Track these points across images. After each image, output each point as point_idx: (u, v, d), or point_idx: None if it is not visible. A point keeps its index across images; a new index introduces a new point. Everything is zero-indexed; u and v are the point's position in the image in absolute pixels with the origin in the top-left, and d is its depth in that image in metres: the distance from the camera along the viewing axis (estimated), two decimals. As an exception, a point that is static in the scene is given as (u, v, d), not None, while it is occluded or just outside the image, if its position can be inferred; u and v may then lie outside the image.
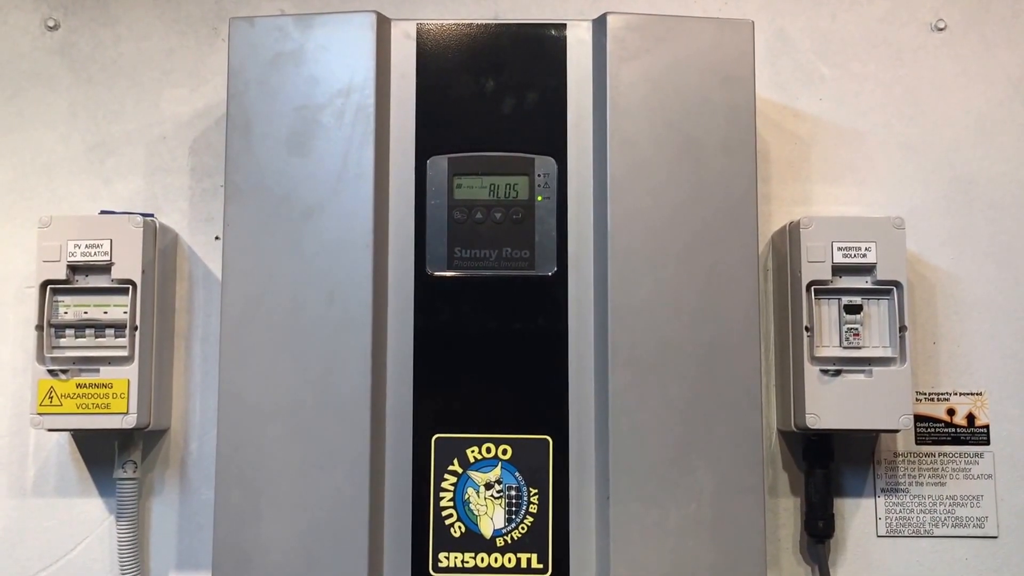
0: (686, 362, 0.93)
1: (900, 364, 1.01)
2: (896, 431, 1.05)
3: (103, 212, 1.07)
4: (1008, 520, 1.09)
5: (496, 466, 0.94)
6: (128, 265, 1.02)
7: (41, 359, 1.01)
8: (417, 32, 0.98)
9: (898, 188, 1.13)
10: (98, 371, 1.01)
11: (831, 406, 1.00)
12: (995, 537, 1.09)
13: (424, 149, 0.97)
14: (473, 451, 0.94)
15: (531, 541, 0.93)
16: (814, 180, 1.13)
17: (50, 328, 1.02)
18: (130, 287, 1.02)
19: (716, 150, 0.95)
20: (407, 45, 0.98)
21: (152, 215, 1.07)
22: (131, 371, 1.01)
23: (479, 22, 0.99)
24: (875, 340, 1.03)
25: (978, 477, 1.10)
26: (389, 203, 0.96)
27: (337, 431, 0.92)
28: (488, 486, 0.94)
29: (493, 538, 0.93)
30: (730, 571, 0.92)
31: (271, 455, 0.92)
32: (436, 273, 0.96)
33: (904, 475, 1.10)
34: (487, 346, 0.95)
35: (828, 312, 1.03)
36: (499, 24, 0.99)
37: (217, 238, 1.12)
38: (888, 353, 1.02)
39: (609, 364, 0.92)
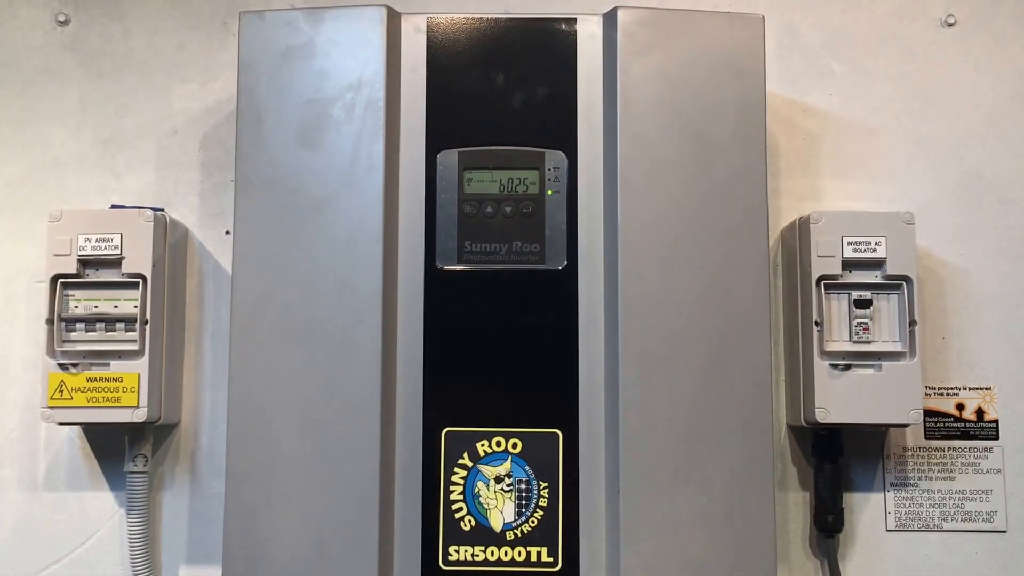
0: (696, 356, 0.93)
1: (909, 359, 1.01)
2: (905, 425, 1.06)
3: (113, 206, 1.07)
4: (1017, 514, 1.09)
5: (506, 460, 0.94)
6: (138, 259, 1.02)
7: (52, 353, 1.01)
8: (427, 26, 0.98)
9: (908, 183, 1.13)
10: (108, 365, 1.01)
11: (840, 400, 1.00)
12: (1004, 531, 1.09)
13: (434, 143, 0.97)
14: (483, 445, 0.94)
15: (541, 535, 0.93)
16: (824, 175, 1.13)
17: (60, 322, 1.02)
18: (140, 281, 1.02)
19: (726, 145, 0.95)
20: (417, 39, 0.98)
21: (162, 209, 1.08)
22: (141, 365, 1.01)
23: (489, 16, 0.99)
24: (884, 335, 1.03)
25: (987, 472, 1.10)
26: (399, 197, 0.96)
27: (347, 425, 0.92)
28: (498, 480, 0.94)
29: (503, 532, 0.93)
30: (740, 565, 0.92)
31: (281, 449, 0.93)
32: (446, 267, 0.96)
33: (913, 470, 1.10)
34: (497, 340, 0.95)
35: (838, 307, 1.03)
36: (509, 18, 0.99)
37: (227, 232, 1.12)
38: (897, 348, 1.02)
39: (619, 358, 0.92)
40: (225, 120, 1.14)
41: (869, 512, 1.09)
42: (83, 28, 1.16)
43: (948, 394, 1.11)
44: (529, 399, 0.95)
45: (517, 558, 0.93)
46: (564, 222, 0.96)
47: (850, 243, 1.02)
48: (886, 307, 1.03)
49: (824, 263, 1.02)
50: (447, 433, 0.94)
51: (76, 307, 1.02)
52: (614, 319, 0.93)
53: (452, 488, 0.94)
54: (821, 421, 1.00)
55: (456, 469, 0.94)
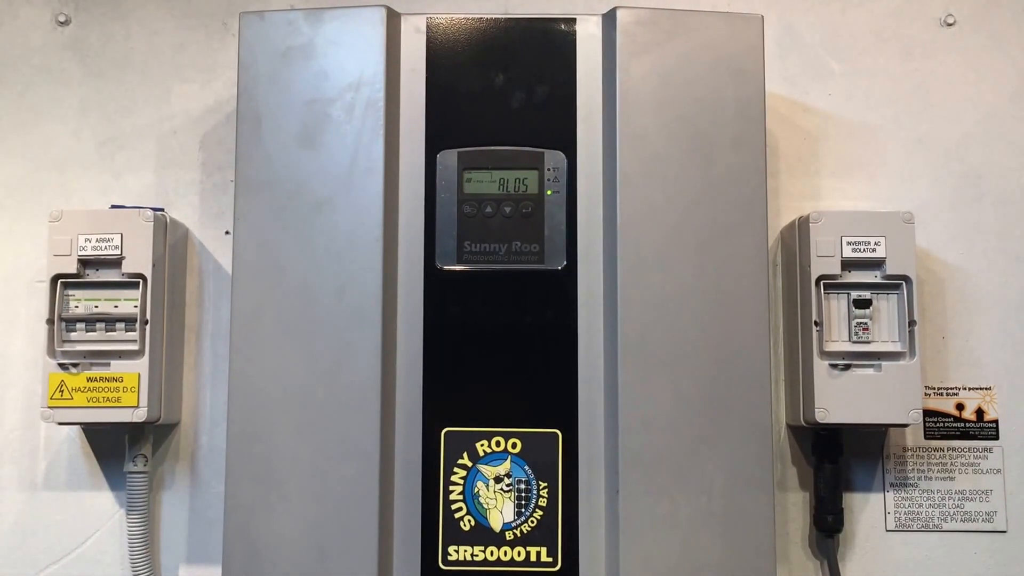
0: (696, 356, 0.93)
1: (909, 359, 1.01)
2: (905, 425, 1.06)
3: (114, 207, 1.07)
4: (1017, 515, 1.09)
5: (505, 460, 0.94)
6: (138, 259, 1.02)
7: (52, 353, 1.02)
8: (427, 26, 0.98)
9: (907, 183, 1.13)
10: (109, 365, 1.02)
11: (840, 400, 1.00)
12: (1004, 532, 1.09)
13: (434, 143, 0.97)
14: (482, 445, 0.94)
15: (541, 534, 0.93)
16: (823, 175, 1.13)
17: (61, 322, 1.02)
18: (140, 281, 1.02)
19: (726, 144, 0.95)
20: (417, 39, 0.98)
21: (162, 209, 1.08)
22: (141, 365, 1.01)
23: (489, 16, 0.99)
24: (884, 335, 1.03)
25: (987, 472, 1.10)
26: (399, 197, 0.96)
27: (347, 425, 0.92)
28: (497, 480, 0.94)
29: (503, 531, 0.93)
30: (739, 565, 0.92)
31: (281, 449, 0.93)
32: (446, 267, 0.96)
33: (913, 470, 1.10)
34: (497, 340, 0.95)
35: (837, 307, 1.03)
36: (509, 19, 0.99)
37: (227, 232, 1.12)
38: (897, 348, 1.02)
39: (619, 358, 0.92)
40: (225, 120, 1.14)
41: (869, 512, 1.09)
42: (83, 28, 1.16)
43: (948, 394, 1.11)
44: (529, 399, 0.95)
45: (516, 558, 0.93)
46: (563, 222, 0.96)
47: (849, 243, 1.02)
48: (886, 307, 1.03)
49: (823, 263, 1.02)
50: (447, 433, 0.94)
51: (76, 307, 1.03)
52: (613, 319, 0.93)
53: (452, 488, 0.94)
54: (821, 421, 1.00)
55: (456, 469, 0.94)
